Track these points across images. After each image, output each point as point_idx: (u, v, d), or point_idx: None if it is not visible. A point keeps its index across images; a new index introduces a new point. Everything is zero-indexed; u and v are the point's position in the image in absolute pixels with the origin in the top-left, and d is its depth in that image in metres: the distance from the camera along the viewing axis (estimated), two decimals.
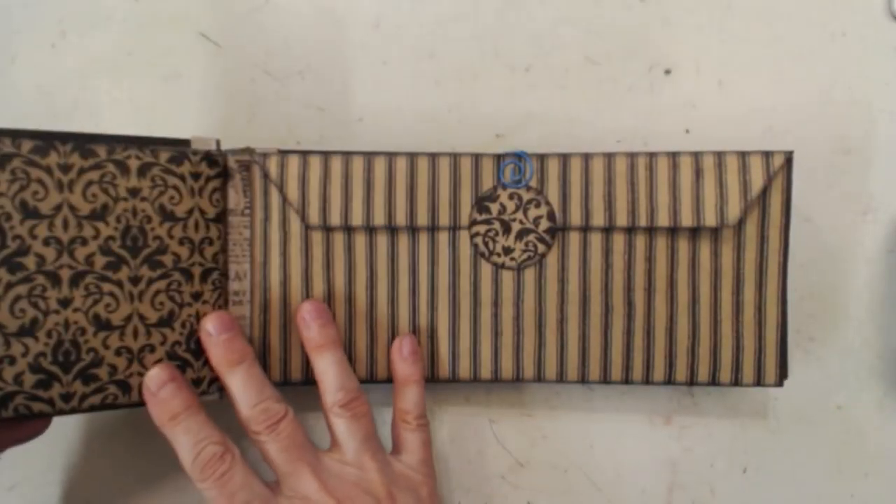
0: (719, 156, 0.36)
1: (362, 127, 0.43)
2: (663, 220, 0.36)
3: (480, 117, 0.42)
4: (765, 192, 0.36)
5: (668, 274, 0.37)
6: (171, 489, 0.41)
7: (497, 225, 0.37)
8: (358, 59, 0.43)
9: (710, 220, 0.35)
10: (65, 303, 0.33)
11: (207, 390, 0.36)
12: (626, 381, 0.37)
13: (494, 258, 0.37)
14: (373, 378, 0.38)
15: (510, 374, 0.37)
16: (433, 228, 0.37)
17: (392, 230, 0.38)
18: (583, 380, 0.37)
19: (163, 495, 0.41)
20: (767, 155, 0.35)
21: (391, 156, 0.37)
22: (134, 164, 0.34)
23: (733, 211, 0.35)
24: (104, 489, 0.41)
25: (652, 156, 0.36)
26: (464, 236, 0.37)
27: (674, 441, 0.40)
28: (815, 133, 0.41)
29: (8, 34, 0.44)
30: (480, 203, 0.37)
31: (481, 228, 0.37)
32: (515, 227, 0.37)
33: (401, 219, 0.37)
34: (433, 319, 0.38)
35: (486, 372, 0.38)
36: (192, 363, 0.36)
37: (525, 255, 0.37)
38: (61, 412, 0.33)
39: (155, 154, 0.35)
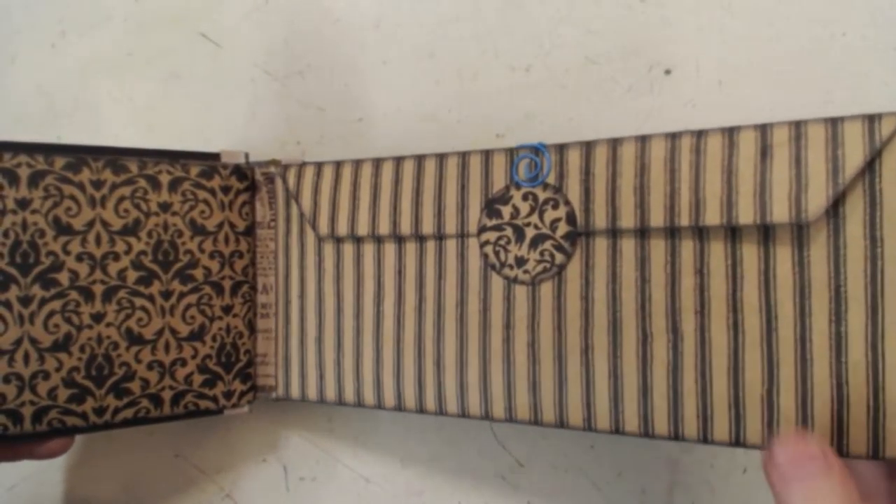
0: (797, 126, 0.26)
1: (362, 127, 0.42)
2: (713, 216, 0.27)
3: (480, 117, 0.42)
4: (870, 172, 0.25)
5: (729, 291, 0.27)
6: (171, 489, 0.41)
7: (509, 231, 0.31)
8: (358, 59, 0.43)
9: (779, 213, 0.26)
10: (98, 317, 0.33)
11: (238, 403, 0.37)
12: (676, 436, 0.28)
13: (506, 270, 0.31)
14: (380, 405, 0.34)
15: (527, 414, 0.31)
16: (440, 237, 0.33)
17: (399, 239, 0.34)
18: (617, 430, 0.29)
19: (162, 495, 0.41)
20: (872, 120, 0.25)
21: (399, 159, 0.34)
22: (165, 178, 0.35)
23: (816, 200, 0.25)
24: (104, 489, 0.41)
25: (699, 134, 0.27)
26: (472, 245, 0.32)
27: (674, 441, 0.40)
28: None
29: (8, 34, 0.44)
30: (490, 206, 0.32)
31: (491, 235, 0.32)
32: (530, 232, 0.31)
33: (405, 226, 0.33)
34: (440, 343, 0.33)
35: (498, 410, 0.31)
36: (222, 376, 0.36)
37: (540, 267, 0.31)
38: (94, 426, 0.33)
39: (186, 168, 0.35)
